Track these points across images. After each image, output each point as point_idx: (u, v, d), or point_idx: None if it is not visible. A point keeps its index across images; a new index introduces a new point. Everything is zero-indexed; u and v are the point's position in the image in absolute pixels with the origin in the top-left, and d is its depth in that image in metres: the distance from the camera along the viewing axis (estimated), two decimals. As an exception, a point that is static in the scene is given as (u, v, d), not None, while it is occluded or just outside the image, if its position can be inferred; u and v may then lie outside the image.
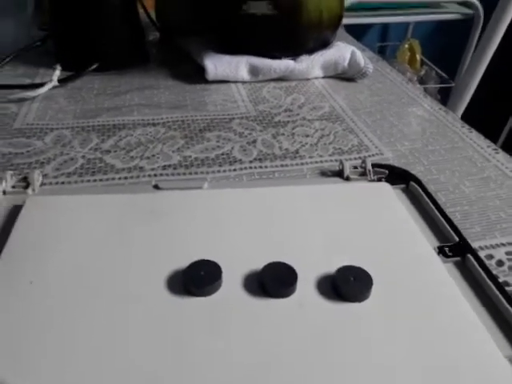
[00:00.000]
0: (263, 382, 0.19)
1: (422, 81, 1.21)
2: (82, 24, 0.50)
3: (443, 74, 1.27)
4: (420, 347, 0.20)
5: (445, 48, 1.36)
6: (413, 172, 0.35)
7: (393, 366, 0.20)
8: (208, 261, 0.23)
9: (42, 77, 0.51)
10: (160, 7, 0.61)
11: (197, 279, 0.22)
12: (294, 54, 0.51)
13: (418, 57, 1.29)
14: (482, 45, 0.88)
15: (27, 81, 0.50)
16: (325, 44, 0.52)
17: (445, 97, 1.15)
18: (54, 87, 0.47)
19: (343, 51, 0.52)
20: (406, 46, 1.29)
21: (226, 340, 0.20)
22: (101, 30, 0.50)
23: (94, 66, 0.50)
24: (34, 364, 0.19)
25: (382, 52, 1.43)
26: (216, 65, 0.48)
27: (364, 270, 0.23)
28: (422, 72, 1.21)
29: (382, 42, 1.47)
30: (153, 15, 0.62)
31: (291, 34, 0.48)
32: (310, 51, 0.51)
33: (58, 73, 0.47)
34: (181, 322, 0.21)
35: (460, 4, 1.13)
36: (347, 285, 0.22)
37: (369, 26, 1.39)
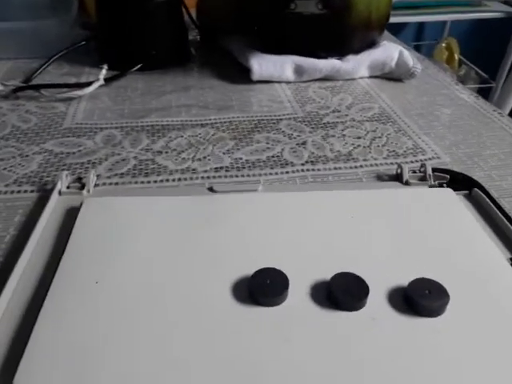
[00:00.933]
0: None
1: (461, 81, 1.17)
2: (126, 24, 0.50)
3: (483, 74, 1.23)
4: (500, 367, 0.19)
5: (484, 47, 1.32)
6: (473, 177, 0.34)
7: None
8: (274, 269, 0.22)
9: (87, 76, 0.51)
10: (201, 6, 0.61)
11: (263, 288, 0.21)
12: (341, 53, 0.50)
13: (457, 56, 1.25)
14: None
15: (73, 80, 0.50)
16: (372, 44, 0.51)
17: (484, 97, 1.11)
18: (100, 86, 0.47)
19: (391, 51, 0.50)
20: (444, 44, 1.25)
21: (293, 352, 0.19)
22: (145, 30, 0.50)
23: (139, 66, 0.50)
24: (97, 365, 0.18)
25: (417, 51, 1.39)
26: (261, 64, 0.48)
27: (439, 283, 0.22)
28: (461, 72, 1.18)
29: (416, 41, 1.43)
30: (194, 14, 0.62)
31: (339, 34, 0.47)
32: (357, 51, 0.50)
33: (104, 72, 0.48)
34: (246, 331, 0.20)
35: (502, 2, 1.09)
36: (422, 299, 0.21)
37: (403, 25, 1.36)
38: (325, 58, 0.49)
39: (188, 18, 0.61)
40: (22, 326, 0.21)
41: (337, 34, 0.47)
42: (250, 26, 0.53)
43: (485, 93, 1.17)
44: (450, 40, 1.25)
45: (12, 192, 0.31)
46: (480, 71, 1.24)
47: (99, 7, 0.51)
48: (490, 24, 1.23)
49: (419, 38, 1.42)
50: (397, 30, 1.37)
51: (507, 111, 0.88)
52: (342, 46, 0.49)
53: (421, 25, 1.39)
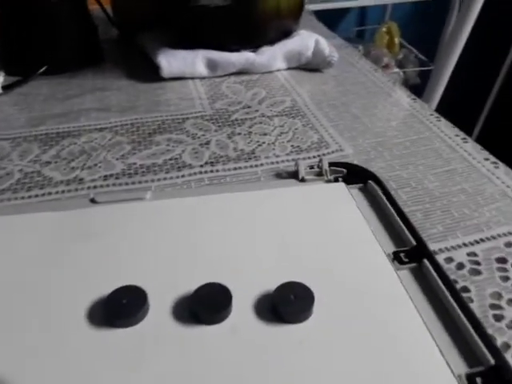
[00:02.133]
0: None
1: (400, 64, 1.18)
2: (25, 25, 0.47)
3: (422, 57, 1.25)
4: (367, 369, 0.19)
5: (424, 30, 1.33)
6: (374, 169, 0.33)
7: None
8: (132, 286, 0.21)
9: (-12, 83, 0.48)
10: (116, 1, 0.58)
11: (118, 309, 0.20)
12: (254, 45, 0.48)
13: (397, 40, 1.26)
14: (457, 24, 0.85)
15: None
16: (286, 34, 0.50)
17: (425, 80, 1.13)
18: (-1, 94, 0.44)
19: (306, 40, 0.49)
20: (384, 29, 1.26)
21: (154, 375, 0.18)
22: (47, 31, 0.47)
23: (42, 70, 0.47)
24: None
25: (360, 36, 1.40)
26: (170, 61, 0.46)
27: (305, 285, 0.21)
28: (401, 55, 1.19)
29: (359, 26, 1.43)
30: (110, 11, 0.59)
31: (248, 25, 0.46)
32: (271, 42, 0.49)
33: (1, 79, 0.45)
34: (101, 358, 0.19)
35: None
36: (286, 304, 0.20)
37: (346, 11, 1.36)
38: (238, 50, 0.47)
39: (104, 15, 0.58)
40: None
41: (246, 25, 0.46)
42: (163, 21, 0.51)
43: (425, 75, 1.19)
44: (390, 24, 1.26)
45: None
46: (419, 54, 1.25)
47: (-5, 8, 0.47)
48: (429, 7, 1.25)
49: (362, 23, 1.43)
50: (340, 16, 1.37)
51: (439, 95, 0.89)
52: (254, 37, 0.47)
53: (363, 10, 1.39)
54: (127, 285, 0.21)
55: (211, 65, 0.47)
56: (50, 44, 0.48)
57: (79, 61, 0.50)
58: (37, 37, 0.47)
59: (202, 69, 0.47)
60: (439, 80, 0.86)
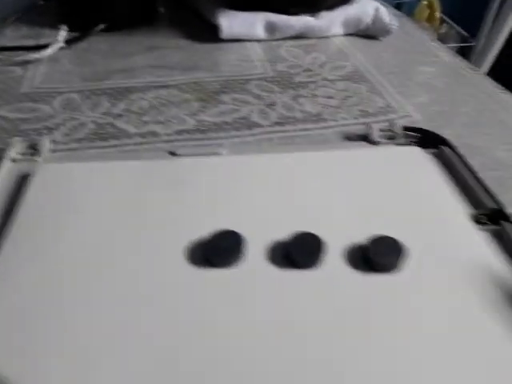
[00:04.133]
0: (290, 355, 0.17)
1: (441, 40, 1.15)
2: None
3: (464, 33, 1.21)
4: (456, 319, 0.19)
5: (466, 5, 1.29)
6: (444, 135, 0.33)
7: (427, 338, 0.18)
8: (230, 231, 0.21)
9: (46, 38, 0.48)
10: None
11: (218, 250, 0.21)
12: (314, 10, 0.47)
13: (438, 14, 1.22)
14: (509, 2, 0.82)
15: (31, 42, 0.47)
16: (346, 0, 0.49)
17: (465, 56, 1.10)
18: (60, 49, 0.44)
19: (367, 7, 0.48)
20: (425, 2, 1.22)
21: (250, 312, 0.19)
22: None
23: (101, 27, 0.47)
24: (49, 331, 0.18)
25: (398, 9, 1.35)
26: (231, 22, 0.45)
27: (396, 239, 0.21)
28: (442, 30, 1.15)
29: (398, -1, 1.39)
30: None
31: (310, -12, 0.45)
32: (331, 7, 0.48)
33: (63, 33, 0.45)
34: (202, 293, 0.20)
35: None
36: (379, 255, 0.21)
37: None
38: (297, 14, 0.47)
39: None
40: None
41: (308, -11, 0.45)
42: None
43: (466, 51, 1.15)
44: (432, -3, 1.22)
45: (-37, 160, 0.30)
46: (461, 30, 1.21)
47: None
48: (473, -19, 1.20)
49: (402, -4, 1.38)
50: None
51: (485, 70, 0.86)
52: (315, 1, 0.47)
53: (403, -18, 1.34)
54: (224, 229, 0.22)
55: (270, 28, 0.47)
56: (108, 1, 0.48)
57: (136, 19, 0.50)
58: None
59: (260, 31, 0.47)
60: (483, 58, 0.83)
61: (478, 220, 0.25)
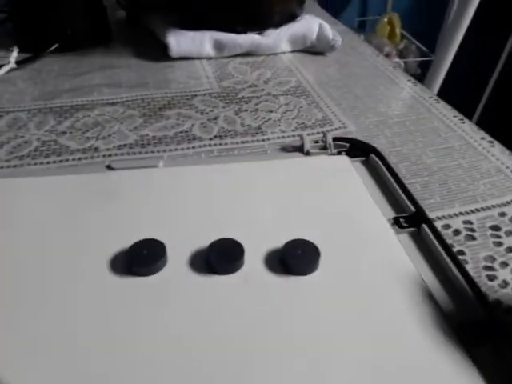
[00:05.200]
0: (209, 361, 0.18)
1: (401, 55, 1.19)
2: (39, 3, 0.48)
3: (423, 48, 1.26)
4: (368, 320, 0.20)
5: (425, 22, 1.34)
6: (375, 145, 0.35)
7: (340, 339, 0.19)
8: (152, 239, 0.22)
9: (0, 60, 0.49)
10: (124, -17, 0.59)
11: (139, 258, 0.22)
12: (260, 28, 0.50)
13: (398, 31, 1.27)
14: (456, 16, 0.86)
15: (-15, 64, 0.48)
16: (292, 17, 0.51)
17: (425, 71, 1.14)
18: (12, 70, 0.45)
19: (311, 24, 0.51)
20: (386, 19, 1.27)
21: (170, 319, 0.20)
22: (59, 10, 0.48)
23: (54, 47, 0.48)
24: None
25: (361, 27, 1.41)
26: (179, 41, 0.47)
27: (311, 242, 0.23)
28: (401, 46, 1.20)
29: (361, 16, 1.44)
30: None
31: (255, 8, 0.47)
32: (277, 25, 0.50)
33: (15, 54, 0.46)
34: (123, 302, 0.21)
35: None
36: (294, 258, 0.22)
37: (348, 0, 1.36)
38: (244, 32, 0.49)
39: (111, -3, 0.59)
40: None
41: (253, 8, 0.47)
42: (170, 2, 0.52)
43: (426, 66, 1.20)
44: (391, 15, 1.27)
45: None
46: (420, 45, 1.27)
47: (7, -15, 0.48)
48: (430, -2, 1.26)
49: (364, 14, 1.44)
50: (341, 6, 1.38)
51: (438, 85, 0.91)
52: (260, 20, 0.49)
53: (365, 0, 1.40)
54: (147, 238, 0.22)
55: (218, 46, 0.48)
56: (60, 22, 0.49)
57: (89, 40, 0.51)
58: (48, 15, 0.48)
59: (209, 49, 0.48)
60: (439, 71, 0.87)
61: (398, 223, 0.27)
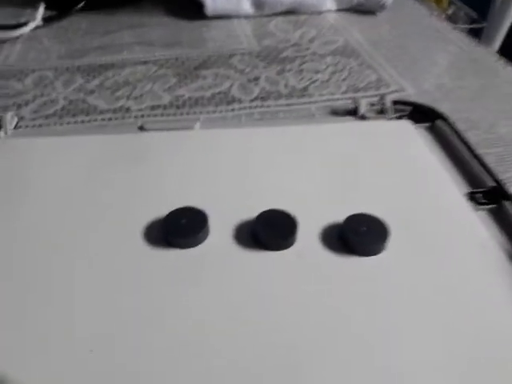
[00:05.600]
0: (253, 345, 0.15)
1: (449, 21, 1.11)
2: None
3: (473, 14, 1.16)
4: (442, 306, 0.17)
5: (474, -13, 1.24)
6: (440, 110, 0.30)
7: (409, 327, 0.16)
8: (192, 208, 0.19)
9: (27, 17, 0.46)
10: None
11: (177, 228, 0.18)
12: (304, -18, 0.45)
13: (445, -3, 1.18)
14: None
15: (12, 22, 0.45)
16: (339, -29, 0.46)
17: (476, 39, 1.05)
18: (38, 27, 0.42)
19: (360, -21, 0.46)
20: (432, -16, 1.18)
21: (211, 296, 0.17)
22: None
23: (81, 5, 0.45)
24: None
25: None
26: (215, -3, 0.43)
27: (378, 218, 0.19)
28: (450, 11, 1.11)
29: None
30: None
31: (300, -42, 0.42)
32: (323, -21, 0.45)
33: (41, 11, 0.43)
34: (159, 275, 0.18)
35: None
36: (357, 235, 0.18)
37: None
38: (287, -12, 0.44)
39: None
40: None
41: (298, -41, 0.42)
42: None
43: (477, 34, 1.11)
44: (438, -21, 1.17)
45: None
46: (470, 11, 1.17)
47: None
48: (481, -39, 1.15)
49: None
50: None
51: (495, 50, 0.83)
52: (305, -27, 0.44)
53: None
54: (186, 206, 0.19)
55: (258, 3, 0.44)
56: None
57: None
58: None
59: (247, 7, 0.44)
60: (493, 39, 0.79)
61: (474, 199, 0.23)
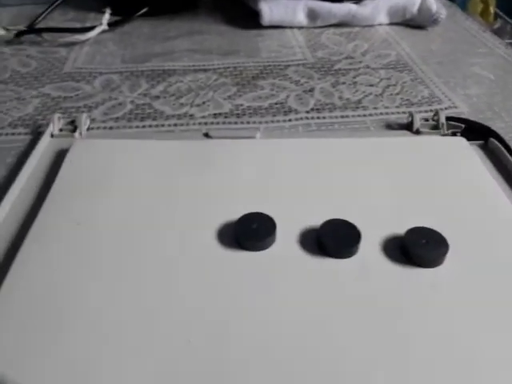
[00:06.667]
0: (314, 344, 0.17)
1: (495, 35, 1.09)
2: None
3: (519, 29, 1.14)
4: (503, 321, 0.18)
5: (522, -1, 1.21)
6: (491, 127, 0.31)
7: (470, 338, 0.17)
8: (261, 214, 0.21)
9: (92, 21, 0.49)
10: None
11: (249, 232, 0.20)
12: (358, -4, 0.46)
13: (492, 9, 1.16)
14: None
15: (77, 25, 0.48)
16: (392, -15, 0.47)
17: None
18: (104, 31, 0.45)
19: (413, -6, 0.46)
20: (478, -4, 1.16)
21: (279, 297, 0.18)
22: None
23: (144, 11, 0.48)
24: (75, 307, 0.18)
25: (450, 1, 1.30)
26: (271, 8, 0.45)
27: (437, 232, 0.20)
28: (496, 25, 1.09)
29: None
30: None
31: (356, -27, 0.44)
32: (376, -6, 0.46)
33: (107, 16, 0.46)
34: (232, 275, 0.19)
35: None
36: (419, 248, 0.20)
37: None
38: (340, 1, 0.45)
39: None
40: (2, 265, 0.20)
41: (353, -26, 0.44)
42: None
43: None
44: (485, -9, 1.16)
45: (6, 134, 0.30)
46: (516, 25, 1.15)
47: None
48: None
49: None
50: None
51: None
52: (359, -13, 0.45)
53: (455, -26, 1.28)
54: (256, 211, 0.21)
55: (312, 14, 0.45)
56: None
57: (178, 4, 0.50)
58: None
59: (302, 18, 0.46)
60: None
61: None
